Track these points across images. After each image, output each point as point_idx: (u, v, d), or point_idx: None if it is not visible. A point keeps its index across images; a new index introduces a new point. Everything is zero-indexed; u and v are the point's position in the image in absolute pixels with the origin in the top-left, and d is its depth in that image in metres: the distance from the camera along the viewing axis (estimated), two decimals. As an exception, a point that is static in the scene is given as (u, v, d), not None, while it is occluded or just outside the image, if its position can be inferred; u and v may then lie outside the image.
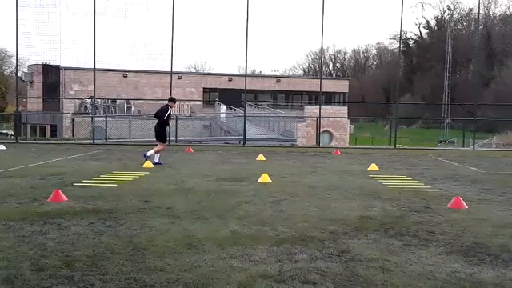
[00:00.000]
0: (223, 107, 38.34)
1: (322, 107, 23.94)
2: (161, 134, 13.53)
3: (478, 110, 24.57)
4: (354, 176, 11.28)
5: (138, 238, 5.37)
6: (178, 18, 22.54)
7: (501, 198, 8.54)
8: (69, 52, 24.48)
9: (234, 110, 36.50)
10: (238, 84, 38.76)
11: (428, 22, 77.65)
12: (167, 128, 13.82)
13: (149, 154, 12.94)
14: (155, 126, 13.59)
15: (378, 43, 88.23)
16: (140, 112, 39.77)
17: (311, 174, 11.51)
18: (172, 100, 13.90)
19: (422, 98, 58.12)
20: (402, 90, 38.12)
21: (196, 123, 38.06)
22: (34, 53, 22.70)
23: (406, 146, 26.16)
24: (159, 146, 13.34)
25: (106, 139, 22.30)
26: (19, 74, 32.06)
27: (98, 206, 7.18)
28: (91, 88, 23.59)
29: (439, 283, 4.14)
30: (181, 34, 24.18)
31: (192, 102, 42.99)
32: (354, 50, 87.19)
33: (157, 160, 13.04)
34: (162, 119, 13.29)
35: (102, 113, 34.03)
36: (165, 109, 13.39)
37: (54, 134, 37.16)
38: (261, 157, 15.03)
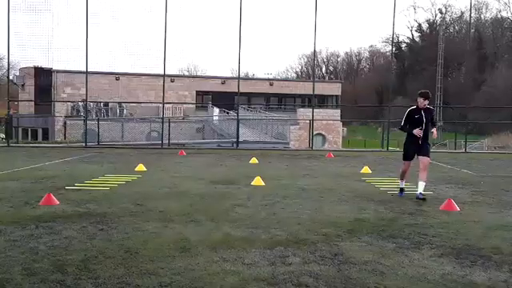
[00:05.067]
0: (216, 110, 38.34)
1: (314, 110, 23.99)
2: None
3: (469, 113, 24.70)
4: (346, 179, 11.30)
5: (131, 242, 5.34)
6: (171, 21, 22.56)
7: (492, 200, 8.58)
8: (61, 55, 24.41)
9: (227, 112, 36.50)
10: (231, 87, 38.73)
11: (420, 25, 78.14)
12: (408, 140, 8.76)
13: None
14: None
15: (370, 46, 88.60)
16: (132, 115, 39.68)
17: (304, 177, 11.52)
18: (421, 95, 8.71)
19: (414, 101, 58.26)
20: (394, 92, 38.26)
21: (189, 126, 38.07)
22: (25, 55, 22.60)
23: (398, 149, 26.19)
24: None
25: (98, 142, 22.19)
26: (11, 77, 31.86)
27: (91, 209, 7.14)
28: (83, 91, 23.46)
29: (432, 285, 4.15)
30: (174, 37, 24.15)
31: (185, 105, 42.92)
32: (347, 53, 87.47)
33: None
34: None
35: (94, 116, 33.92)
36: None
37: (45, 137, 36.96)
38: (254, 160, 15.03)
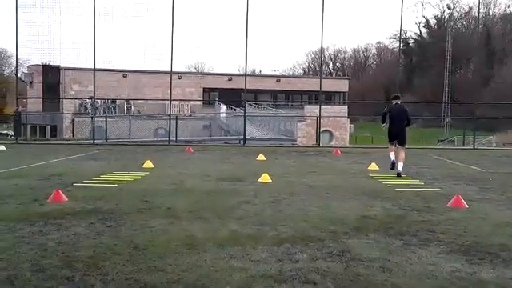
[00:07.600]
0: (223, 107, 38.32)
1: (322, 107, 23.92)
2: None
3: (477, 109, 24.53)
4: (354, 175, 11.27)
5: (138, 239, 5.37)
6: (178, 18, 22.59)
7: (501, 197, 8.53)
8: (69, 52, 24.45)
9: (234, 109, 36.47)
10: (238, 84, 38.65)
11: (428, 21, 77.70)
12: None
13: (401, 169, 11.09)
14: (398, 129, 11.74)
15: (377, 42, 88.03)
16: (140, 112, 39.76)
17: (311, 174, 11.50)
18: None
19: (421, 97, 58.07)
20: (401, 89, 38.04)
21: (196, 123, 38.08)
22: (33, 53, 22.73)
23: (406, 146, 26.13)
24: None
25: (106, 139, 22.28)
26: (19, 75, 32.04)
27: (98, 206, 7.18)
28: (91, 88, 23.56)
29: (440, 283, 4.14)
30: (181, 34, 24.20)
31: (192, 102, 42.96)
32: (354, 49, 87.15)
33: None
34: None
35: (101, 113, 34.02)
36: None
37: (54, 134, 37.13)
38: (261, 156, 15.02)
